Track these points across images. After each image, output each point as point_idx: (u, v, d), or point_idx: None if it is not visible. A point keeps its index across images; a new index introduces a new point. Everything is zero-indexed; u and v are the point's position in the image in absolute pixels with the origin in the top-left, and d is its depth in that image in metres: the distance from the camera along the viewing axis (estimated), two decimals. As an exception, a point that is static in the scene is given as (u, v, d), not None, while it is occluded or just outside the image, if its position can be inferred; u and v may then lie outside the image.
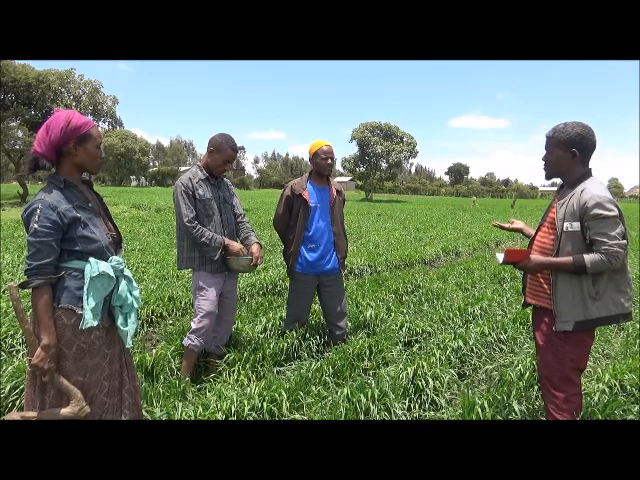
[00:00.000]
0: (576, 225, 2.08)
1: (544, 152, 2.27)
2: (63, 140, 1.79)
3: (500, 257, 2.26)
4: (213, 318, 3.06)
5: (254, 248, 3.12)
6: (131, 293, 1.98)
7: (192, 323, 3.06)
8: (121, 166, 64.95)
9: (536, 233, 2.35)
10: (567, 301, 2.13)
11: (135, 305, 2.00)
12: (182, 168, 78.43)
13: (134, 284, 2.02)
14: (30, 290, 1.76)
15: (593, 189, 2.06)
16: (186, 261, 3.06)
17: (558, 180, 2.32)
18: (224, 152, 3.00)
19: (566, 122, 2.16)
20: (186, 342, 3.04)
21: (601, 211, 2.00)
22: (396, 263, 7.71)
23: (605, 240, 2.00)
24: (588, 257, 2.03)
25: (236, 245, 3.04)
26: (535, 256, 2.19)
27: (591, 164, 2.21)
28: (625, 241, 2.04)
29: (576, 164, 2.16)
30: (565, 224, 2.11)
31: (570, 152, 2.13)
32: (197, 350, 3.05)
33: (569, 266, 2.07)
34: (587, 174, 2.17)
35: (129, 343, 1.97)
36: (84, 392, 1.83)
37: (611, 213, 2.01)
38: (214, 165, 3.04)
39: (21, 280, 1.80)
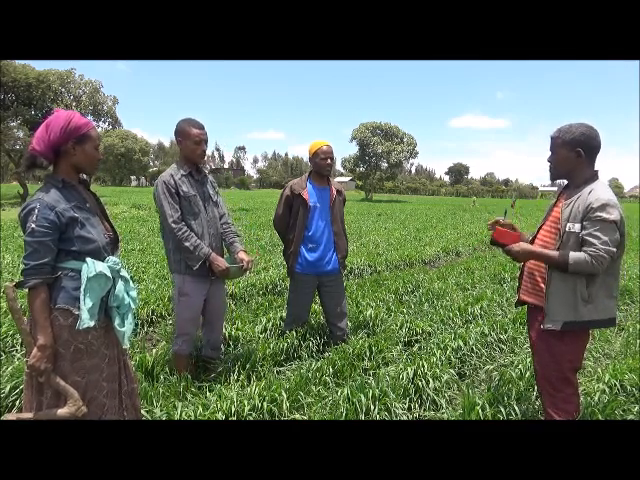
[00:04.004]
0: (578, 226, 2.06)
1: (545, 152, 2.26)
2: (62, 139, 1.79)
3: None
4: (195, 324, 3.04)
5: (241, 255, 3.02)
6: (128, 294, 1.97)
7: (175, 332, 3.03)
8: (121, 166, 64.92)
9: (538, 231, 2.35)
10: (558, 301, 2.12)
11: (132, 306, 1.99)
12: (182, 168, 78.32)
13: (131, 284, 2.01)
14: (27, 290, 1.75)
15: (600, 192, 2.05)
16: (174, 264, 2.94)
17: (559, 180, 2.32)
18: (190, 134, 2.83)
19: (571, 123, 2.15)
20: (174, 347, 3.03)
21: (601, 214, 1.99)
22: (396, 263, 7.70)
23: (595, 242, 1.99)
24: (573, 255, 2.01)
25: (221, 265, 2.87)
26: (524, 243, 2.18)
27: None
28: (614, 249, 2.01)
29: (582, 164, 2.13)
30: (568, 225, 2.10)
31: (575, 152, 2.11)
32: (185, 353, 3.03)
33: (554, 260, 2.07)
34: (595, 176, 2.15)
35: (126, 344, 1.97)
36: (82, 393, 1.82)
37: (610, 217, 1.99)
38: (189, 152, 2.87)
39: (19, 280, 1.79)
